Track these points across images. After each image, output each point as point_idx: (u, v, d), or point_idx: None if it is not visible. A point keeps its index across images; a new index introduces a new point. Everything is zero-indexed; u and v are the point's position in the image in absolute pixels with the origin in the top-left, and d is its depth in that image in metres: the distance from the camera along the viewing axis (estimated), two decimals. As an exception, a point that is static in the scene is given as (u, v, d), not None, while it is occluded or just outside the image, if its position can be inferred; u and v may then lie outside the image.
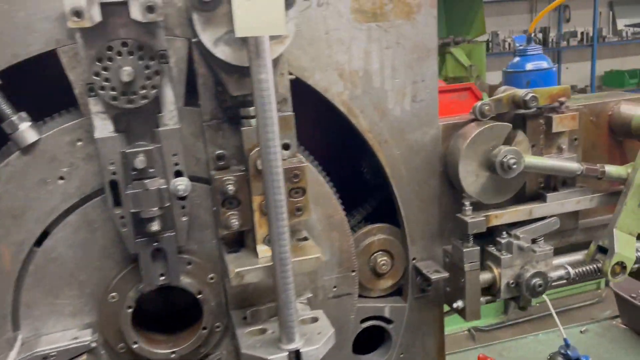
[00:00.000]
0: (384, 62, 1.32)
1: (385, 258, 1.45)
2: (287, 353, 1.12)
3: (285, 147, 1.25)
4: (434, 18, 1.33)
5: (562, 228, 1.51)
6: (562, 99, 1.39)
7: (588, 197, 1.43)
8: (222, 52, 1.05)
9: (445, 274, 1.38)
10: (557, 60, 9.54)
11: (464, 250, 1.35)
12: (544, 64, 1.60)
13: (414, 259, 1.47)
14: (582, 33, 9.33)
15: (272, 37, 1.04)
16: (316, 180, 1.33)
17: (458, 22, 6.10)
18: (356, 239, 1.45)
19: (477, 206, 1.38)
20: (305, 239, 1.25)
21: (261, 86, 0.99)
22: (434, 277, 1.37)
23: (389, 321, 1.50)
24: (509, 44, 8.80)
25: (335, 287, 1.41)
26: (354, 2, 1.27)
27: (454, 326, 4.17)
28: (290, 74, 1.25)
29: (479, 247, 1.36)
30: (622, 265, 1.41)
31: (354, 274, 1.42)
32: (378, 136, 1.36)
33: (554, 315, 2.82)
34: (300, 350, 1.12)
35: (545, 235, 1.48)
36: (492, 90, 5.58)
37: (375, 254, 1.46)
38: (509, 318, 4.58)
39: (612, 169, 1.40)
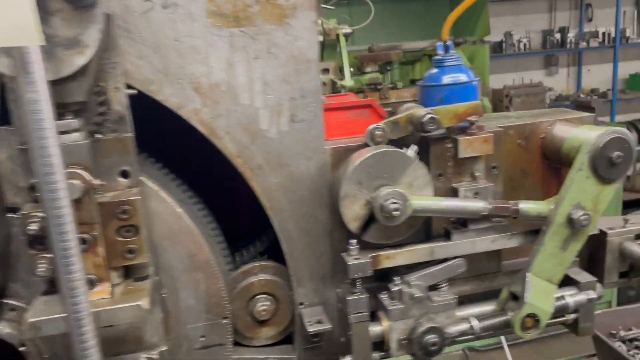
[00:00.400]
0: (253, 75, 1.11)
1: (266, 303, 1.24)
2: None
3: (124, 174, 1.05)
4: (313, 23, 1.11)
5: (481, 271, 1.28)
6: (472, 118, 1.16)
7: (507, 235, 1.19)
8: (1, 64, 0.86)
9: (328, 326, 1.17)
10: (578, 62, 9.12)
11: (348, 298, 1.13)
12: (462, 77, 1.34)
13: (301, 303, 1.26)
14: (603, 33, 8.88)
15: (66, 47, 0.84)
16: (172, 213, 1.13)
17: (461, 23, 5.83)
18: (233, 279, 1.24)
19: (370, 244, 1.16)
20: (145, 278, 1.06)
21: (31, 107, 0.80)
22: (312, 328, 1.16)
23: (274, 374, 1.29)
24: (525, 45, 8.43)
25: (203, 336, 1.21)
26: (210, 4, 1.06)
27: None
28: (131, 87, 1.05)
29: (366, 295, 1.14)
30: (534, 318, 1.17)
31: (225, 321, 1.22)
32: (249, 161, 1.15)
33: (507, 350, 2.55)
34: None
35: (458, 280, 1.25)
36: (495, 95, 5.29)
37: (255, 297, 1.25)
38: (506, 338, 4.31)
39: (529, 207, 1.16)
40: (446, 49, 1.27)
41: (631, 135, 1.14)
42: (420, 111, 1.13)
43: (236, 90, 1.11)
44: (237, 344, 1.29)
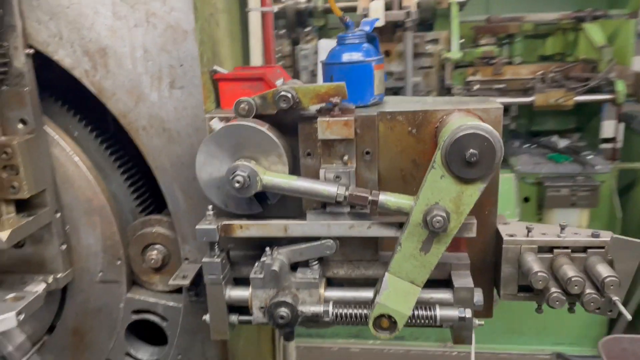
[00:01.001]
0: (135, 43, 1.20)
1: (155, 253, 1.36)
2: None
3: (23, 122, 1.23)
4: (188, -5, 1.16)
5: (354, 257, 1.25)
6: (335, 99, 1.11)
7: (365, 224, 1.14)
8: None
9: (185, 282, 1.25)
10: None
11: (203, 260, 1.20)
12: (357, 56, 1.22)
13: (186, 259, 1.35)
14: None
15: None
16: (70, 160, 1.29)
17: (612, -7, 5.09)
18: (132, 227, 1.38)
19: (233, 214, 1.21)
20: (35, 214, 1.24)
21: None
22: (171, 281, 1.25)
23: (164, 318, 1.42)
24: None
25: (101, 272, 1.38)
26: (95, -25, 1.17)
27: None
28: (31, 47, 1.21)
29: (219, 260, 1.19)
30: (391, 319, 1.11)
31: (119, 262, 1.36)
32: (135, 122, 1.25)
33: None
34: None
35: (333, 262, 1.24)
36: (638, 78, 4.62)
37: (149, 246, 1.37)
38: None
39: (389, 200, 1.09)
40: (346, 25, 1.23)
41: (495, 132, 1.01)
42: (280, 88, 1.12)
43: (120, 55, 1.21)
44: (139, 284, 1.44)
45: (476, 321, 1.17)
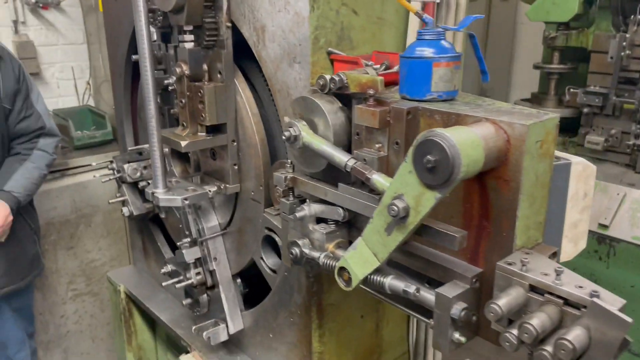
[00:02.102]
0: (278, 24, 1.56)
1: (281, 187, 1.73)
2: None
3: (220, 73, 1.77)
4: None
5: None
6: (371, 91, 1.22)
7: (364, 204, 1.23)
8: (153, 3, 1.71)
9: (273, 213, 1.60)
10: None
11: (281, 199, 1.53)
12: (419, 52, 1.09)
13: (294, 198, 1.68)
14: None
15: (166, -4, 1.62)
16: (244, 107, 1.77)
17: None
18: (274, 165, 1.78)
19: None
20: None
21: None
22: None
23: (281, 239, 1.79)
24: None
25: (252, 191, 1.85)
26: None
27: None
28: (231, 22, 1.72)
29: (289, 202, 1.49)
30: (349, 275, 1.23)
31: (261, 188, 1.80)
32: (274, 85, 1.63)
33: None
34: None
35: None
36: None
37: (280, 182, 1.75)
38: None
39: (378, 180, 1.16)
40: (424, 22, 1.28)
41: (453, 143, 0.97)
42: (340, 72, 1.31)
43: (271, 33, 1.59)
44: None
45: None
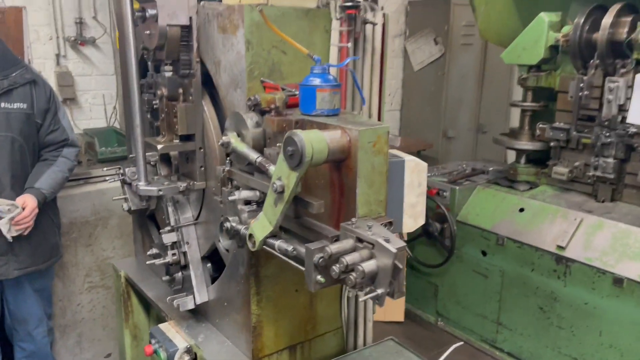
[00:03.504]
0: (226, 59, 2.11)
1: (231, 183, 2.26)
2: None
3: (190, 95, 2.33)
4: None
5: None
6: (272, 106, 1.75)
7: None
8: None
9: (219, 199, 2.12)
10: None
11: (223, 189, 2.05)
12: (308, 81, 1.61)
13: (239, 191, 2.20)
14: None
15: (151, 38, 2.21)
16: (208, 121, 2.32)
17: None
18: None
19: (241, 166, 2.00)
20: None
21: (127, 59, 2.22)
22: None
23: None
24: None
25: (214, 188, 2.37)
26: None
27: None
28: (199, 59, 2.29)
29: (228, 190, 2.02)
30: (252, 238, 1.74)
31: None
32: (227, 105, 2.18)
33: None
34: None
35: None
36: None
37: (232, 180, 2.28)
38: None
39: (272, 169, 1.67)
40: (314, 60, 1.80)
41: (302, 138, 1.47)
42: (256, 94, 1.84)
43: (223, 66, 2.15)
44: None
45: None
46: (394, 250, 1.35)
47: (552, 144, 4.28)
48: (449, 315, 4.72)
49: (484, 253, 4.28)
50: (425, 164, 1.77)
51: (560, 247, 3.82)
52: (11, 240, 2.93)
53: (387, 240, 1.43)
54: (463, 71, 6.35)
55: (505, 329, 4.28)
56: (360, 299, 1.43)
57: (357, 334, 2.54)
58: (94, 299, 4.04)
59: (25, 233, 3.00)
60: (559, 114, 4.29)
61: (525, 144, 4.49)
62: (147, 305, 3.18)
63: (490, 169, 4.82)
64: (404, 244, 1.41)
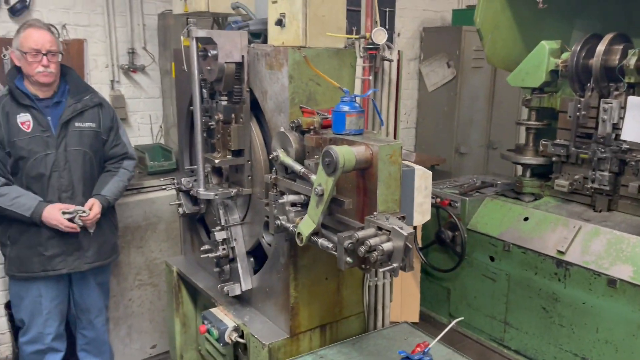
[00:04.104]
0: (272, 89, 2.64)
1: (274, 189, 2.77)
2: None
3: (241, 118, 2.87)
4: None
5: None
6: (312, 127, 2.26)
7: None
8: (204, 76, 2.85)
9: (265, 202, 2.64)
10: None
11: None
12: (339, 108, 2.07)
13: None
14: None
15: (211, 72, 2.76)
16: (255, 139, 2.85)
17: None
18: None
19: (284, 175, 2.51)
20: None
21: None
22: (262, 200, 2.66)
23: (274, 224, 2.80)
24: None
25: (259, 194, 2.89)
26: (266, 60, 2.66)
27: None
28: (249, 88, 2.82)
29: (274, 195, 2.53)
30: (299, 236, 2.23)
31: (264, 190, 2.84)
32: (274, 127, 2.70)
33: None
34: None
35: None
36: None
37: (274, 186, 2.80)
38: None
39: (313, 177, 2.17)
40: (344, 92, 2.31)
41: (336, 152, 1.97)
42: (299, 118, 2.36)
43: (269, 95, 2.68)
44: (274, 206, 2.88)
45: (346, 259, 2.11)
46: (406, 234, 1.84)
47: (553, 159, 4.68)
48: (460, 317, 5.10)
49: (491, 258, 4.66)
50: (430, 172, 2.26)
51: (560, 252, 4.20)
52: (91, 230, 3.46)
53: (401, 227, 1.92)
54: (474, 92, 6.81)
55: (511, 328, 4.61)
56: (380, 270, 1.90)
57: (376, 318, 3.01)
58: (142, 295, 4.57)
59: (91, 230, 3.53)
60: (560, 132, 4.70)
61: (530, 159, 4.88)
62: (194, 296, 3.69)
63: (499, 182, 5.22)
64: (413, 230, 1.89)
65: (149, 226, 4.48)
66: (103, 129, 3.65)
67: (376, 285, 2.90)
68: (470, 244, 4.73)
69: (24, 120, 3.38)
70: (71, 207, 3.39)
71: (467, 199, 4.85)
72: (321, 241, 2.17)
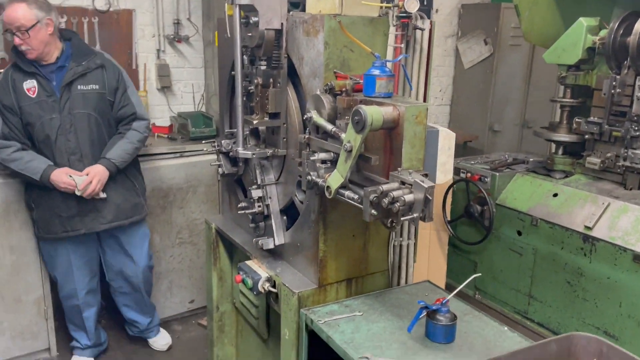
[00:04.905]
0: (308, 54, 2.81)
1: (308, 150, 2.95)
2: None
3: (279, 83, 3.06)
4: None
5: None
6: (344, 89, 2.42)
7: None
8: (245, 42, 3.04)
9: (299, 160, 2.83)
10: None
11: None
12: (370, 72, 2.16)
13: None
14: None
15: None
16: (291, 102, 3.03)
17: None
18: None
19: (317, 135, 2.69)
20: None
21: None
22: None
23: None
24: None
25: (293, 155, 3.08)
26: (304, 27, 2.83)
27: None
28: (286, 54, 3.00)
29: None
30: (328, 189, 2.41)
31: (297, 151, 3.04)
32: (308, 90, 2.88)
33: None
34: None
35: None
36: None
37: (308, 147, 2.98)
38: None
39: (343, 135, 2.34)
40: (376, 57, 2.46)
41: (365, 111, 2.14)
42: (331, 82, 2.52)
43: (305, 60, 2.85)
44: (307, 166, 3.07)
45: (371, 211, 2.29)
46: (427, 186, 2.00)
47: (586, 136, 4.70)
48: (486, 290, 5.22)
49: (519, 233, 4.75)
50: (453, 134, 2.40)
51: (587, 228, 4.27)
52: (102, 197, 3.65)
53: (422, 181, 2.08)
54: (511, 70, 6.82)
55: (536, 301, 4.72)
56: (402, 219, 2.06)
57: (400, 275, 3.19)
58: (182, 253, 4.87)
59: (101, 196, 3.69)
60: (594, 110, 4.71)
61: (562, 136, 4.91)
62: (230, 252, 3.95)
63: (530, 159, 5.28)
64: (434, 184, 2.05)
65: (189, 188, 4.76)
66: (108, 91, 3.75)
67: (401, 245, 3.06)
68: (498, 218, 4.82)
69: (30, 86, 3.53)
70: (77, 174, 3.57)
71: (497, 174, 4.93)
72: (348, 193, 2.34)
